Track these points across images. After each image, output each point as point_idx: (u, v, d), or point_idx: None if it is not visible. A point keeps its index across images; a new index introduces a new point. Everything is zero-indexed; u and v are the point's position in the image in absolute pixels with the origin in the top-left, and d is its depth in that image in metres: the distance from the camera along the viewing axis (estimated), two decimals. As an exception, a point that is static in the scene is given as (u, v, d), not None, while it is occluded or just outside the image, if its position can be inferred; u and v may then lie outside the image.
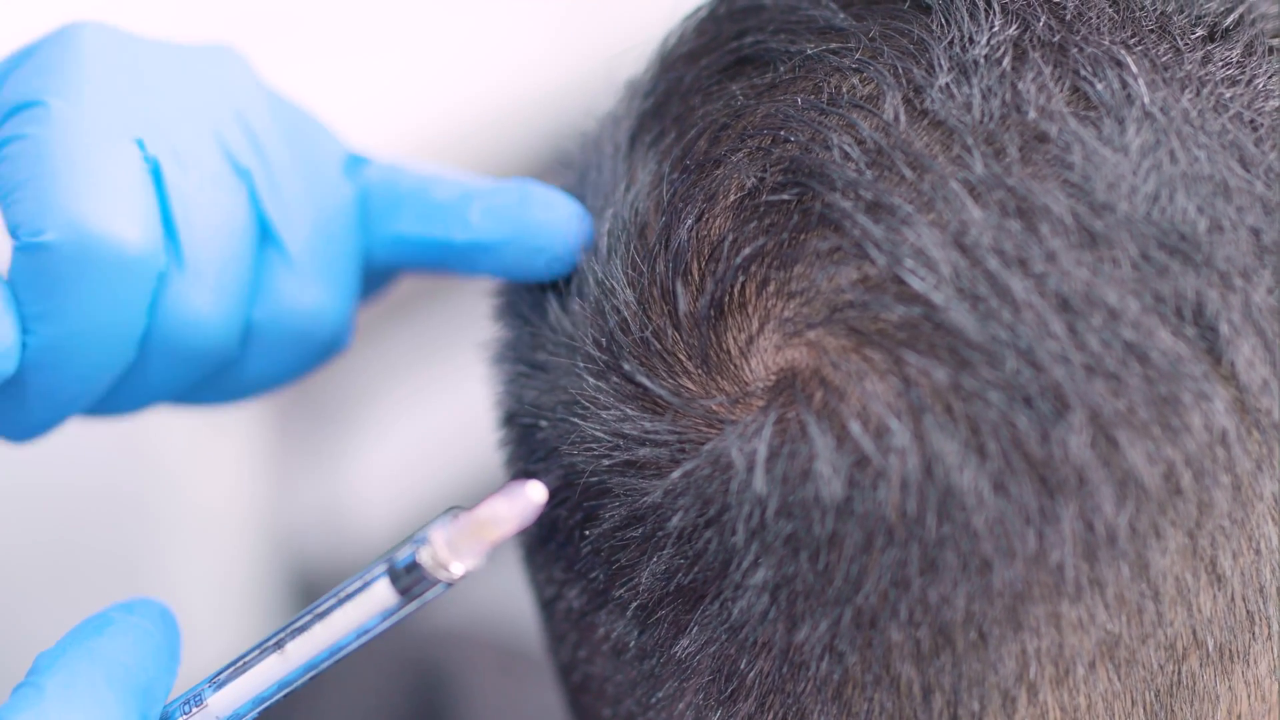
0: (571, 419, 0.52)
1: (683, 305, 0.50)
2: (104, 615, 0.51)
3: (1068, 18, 0.50)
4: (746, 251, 0.49)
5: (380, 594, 0.50)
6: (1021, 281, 0.46)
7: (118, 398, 0.56)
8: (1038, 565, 0.46)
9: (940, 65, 0.50)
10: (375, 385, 1.32)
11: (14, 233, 0.51)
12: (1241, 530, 0.47)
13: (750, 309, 0.49)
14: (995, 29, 0.50)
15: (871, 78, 0.50)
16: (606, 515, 0.51)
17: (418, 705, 0.89)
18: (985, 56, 0.50)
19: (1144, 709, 0.48)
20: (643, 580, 0.51)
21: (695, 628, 0.50)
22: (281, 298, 0.56)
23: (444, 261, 0.57)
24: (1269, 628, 0.48)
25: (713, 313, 0.49)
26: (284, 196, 0.56)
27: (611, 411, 0.51)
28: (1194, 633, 0.48)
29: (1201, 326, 0.47)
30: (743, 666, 0.49)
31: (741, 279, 0.49)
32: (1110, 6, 0.51)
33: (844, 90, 0.51)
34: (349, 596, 0.50)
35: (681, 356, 0.50)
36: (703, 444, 0.49)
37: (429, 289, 1.25)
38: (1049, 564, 0.46)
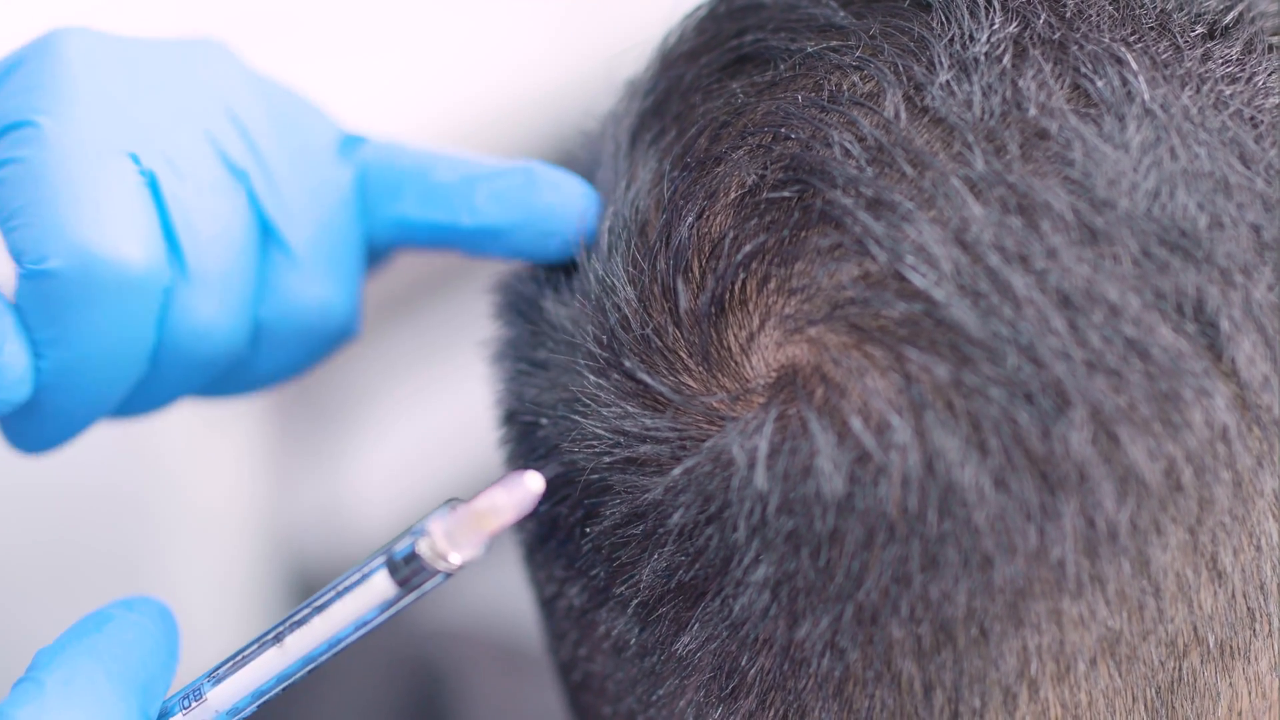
0: (572, 416, 0.52)
1: (684, 302, 0.50)
2: (103, 612, 0.52)
3: (1068, 15, 0.50)
4: (747, 248, 0.49)
5: (379, 586, 0.50)
6: (1022, 278, 0.46)
7: (132, 404, 0.56)
8: (1039, 561, 0.46)
9: (941, 63, 0.50)
10: (375, 385, 1.32)
11: (17, 260, 0.51)
12: (1242, 526, 0.47)
13: (751, 306, 0.49)
14: (995, 26, 0.50)
15: (872, 75, 0.50)
16: (607, 512, 0.51)
17: (417, 704, 0.89)
18: (986, 54, 0.50)
19: (1145, 706, 0.48)
20: (644, 577, 0.51)
21: (696, 625, 0.50)
22: (288, 295, 0.56)
23: (450, 244, 0.57)
24: (1270, 624, 0.48)
25: (713, 310, 0.50)
26: (282, 194, 0.55)
27: (612, 408, 0.51)
28: (1195, 629, 0.48)
29: (1202, 323, 0.47)
30: (744, 663, 0.49)
31: (742, 276, 0.49)
32: (1110, 4, 0.51)
33: (845, 88, 0.51)
34: (348, 589, 0.50)
35: (682, 354, 0.50)
36: (704, 441, 0.49)
37: (429, 289, 1.25)
38: (1050, 560, 0.46)
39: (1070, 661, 0.47)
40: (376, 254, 0.59)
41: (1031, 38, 0.50)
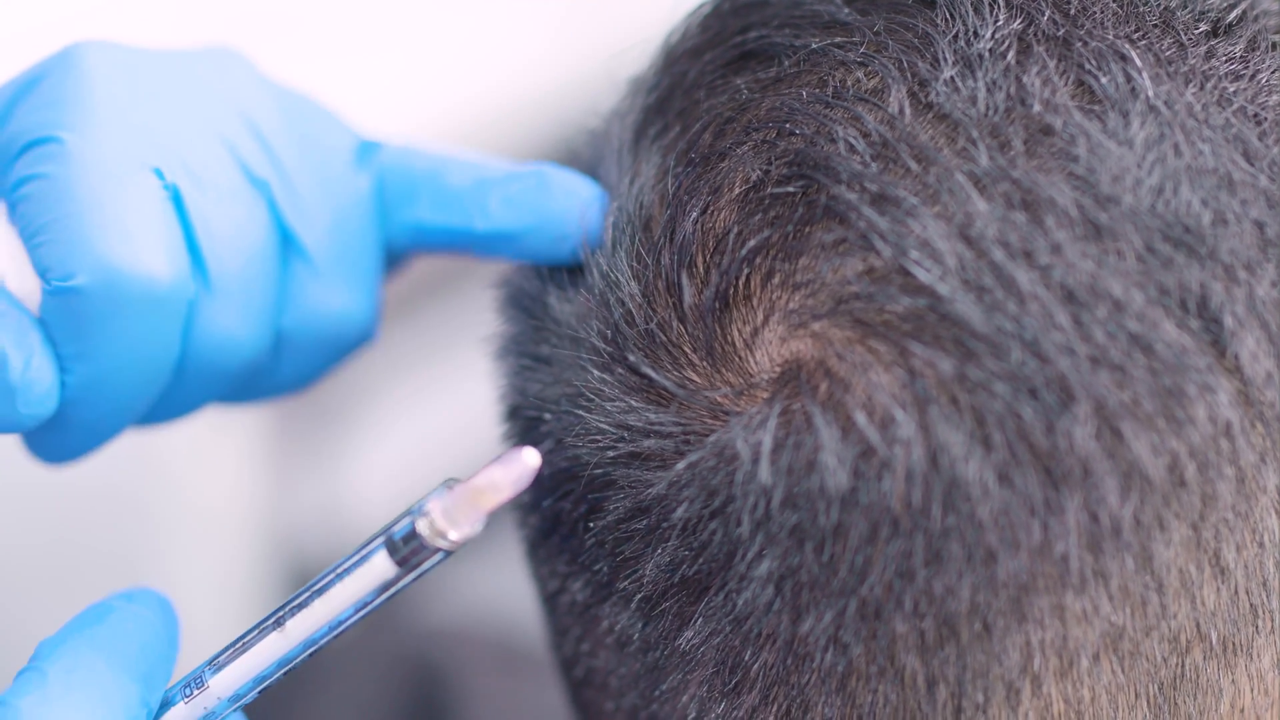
0: (576, 411, 0.52)
1: (688, 297, 0.50)
2: (105, 604, 0.52)
3: (1072, 12, 0.51)
4: (751, 244, 0.49)
5: (378, 566, 0.50)
6: (1027, 273, 0.46)
7: (155, 414, 0.57)
8: (1042, 557, 0.46)
9: (945, 59, 0.50)
10: (375, 385, 1.32)
11: (43, 276, 0.51)
12: (1245, 523, 0.47)
13: (755, 301, 0.49)
14: (1000, 23, 0.50)
15: (876, 71, 0.50)
16: (611, 507, 0.51)
17: (417, 704, 0.89)
18: (990, 50, 0.50)
19: (1147, 702, 0.48)
20: (647, 572, 0.51)
21: (700, 619, 0.50)
22: (309, 304, 0.56)
23: (464, 248, 0.57)
24: (1272, 621, 0.48)
25: (718, 305, 0.50)
26: (302, 203, 0.56)
27: (616, 403, 0.51)
28: (1197, 625, 0.48)
29: (1206, 319, 0.47)
30: (747, 658, 0.49)
31: (746, 271, 0.49)
32: (1114, 1, 0.51)
33: (849, 84, 0.51)
34: (347, 571, 0.50)
35: (686, 349, 0.50)
36: (708, 435, 0.49)
37: (429, 289, 1.25)
38: (1054, 555, 0.46)
39: (1073, 657, 0.47)
40: (393, 258, 0.59)
41: (1036, 34, 0.50)
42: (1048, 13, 0.50)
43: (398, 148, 0.58)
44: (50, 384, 0.52)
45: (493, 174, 0.57)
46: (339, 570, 0.50)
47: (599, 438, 0.51)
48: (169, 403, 0.56)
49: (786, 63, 0.52)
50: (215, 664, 0.51)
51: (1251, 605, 0.48)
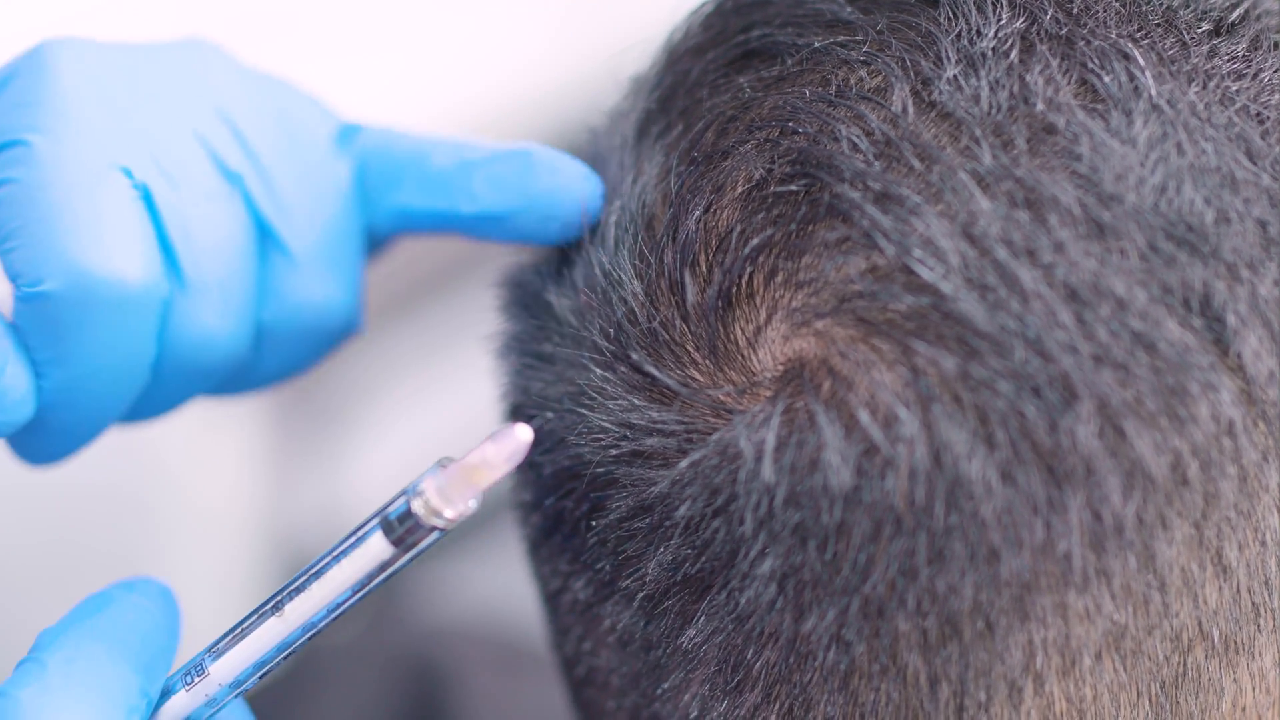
0: (578, 410, 0.52)
1: (690, 296, 0.50)
2: (105, 593, 0.52)
3: (1074, 11, 0.51)
4: (754, 242, 0.49)
5: (375, 547, 0.50)
6: (1030, 271, 0.46)
7: (138, 412, 0.56)
8: (1045, 555, 0.46)
9: (948, 57, 0.50)
10: (375, 385, 1.32)
11: (14, 281, 0.51)
12: (1247, 521, 0.47)
13: (758, 299, 0.49)
14: (1003, 22, 0.50)
15: (879, 70, 0.51)
16: (613, 506, 0.51)
17: (416, 703, 0.89)
18: (993, 49, 0.50)
19: (1149, 700, 0.48)
20: (649, 570, 0.51)
21: (702, 618, 0.50)
22: (289, 297, 0.56)
23: (451, 229, 0.57)
24: (1274, 620, 0.48)
25: (720, 303, 0.50)
26: (279, 194, 0.55)
27: (619, 402, 0.51)
28: (1199, 624, 0.48)
29: (1208, 317, 0.47)
30: (749, 657, 0.49)
31: (749, 270, 0.49)
32: (1117, 1, 0.51)
33: (852, 82, 0.51)
34: (344, 553, 0.50)
35: (689, 347, 0.50)
36: (710, 434, 0.49)
37: (429, 288, 1.25)
38: (1056, 554, 0.46)
39: (1075, 656, 0.47)
40: (377, 242, 0.59)
41: (1038, 33, 0.50)
42: (1050, 11, 0.50)
43: (379, 130, 0.58)
44: (26, 390, 0.52)
45: (477, 155, 0.56)
46: (336, 553, 0.50)
47: (601, 436, 0.51)
48: (151, 400, 0.56)
49: (789, 61, 0.52)
50: (215, 650, 0.51)
51: (1253, 604, 0.48)
